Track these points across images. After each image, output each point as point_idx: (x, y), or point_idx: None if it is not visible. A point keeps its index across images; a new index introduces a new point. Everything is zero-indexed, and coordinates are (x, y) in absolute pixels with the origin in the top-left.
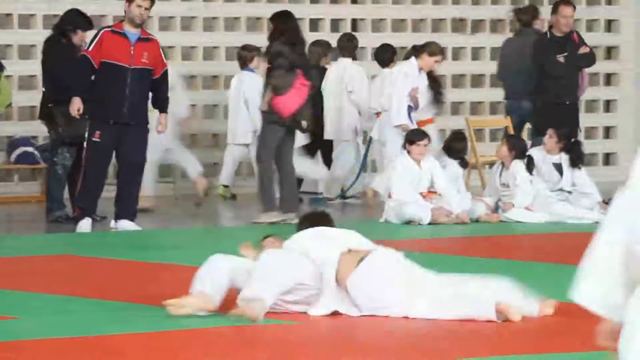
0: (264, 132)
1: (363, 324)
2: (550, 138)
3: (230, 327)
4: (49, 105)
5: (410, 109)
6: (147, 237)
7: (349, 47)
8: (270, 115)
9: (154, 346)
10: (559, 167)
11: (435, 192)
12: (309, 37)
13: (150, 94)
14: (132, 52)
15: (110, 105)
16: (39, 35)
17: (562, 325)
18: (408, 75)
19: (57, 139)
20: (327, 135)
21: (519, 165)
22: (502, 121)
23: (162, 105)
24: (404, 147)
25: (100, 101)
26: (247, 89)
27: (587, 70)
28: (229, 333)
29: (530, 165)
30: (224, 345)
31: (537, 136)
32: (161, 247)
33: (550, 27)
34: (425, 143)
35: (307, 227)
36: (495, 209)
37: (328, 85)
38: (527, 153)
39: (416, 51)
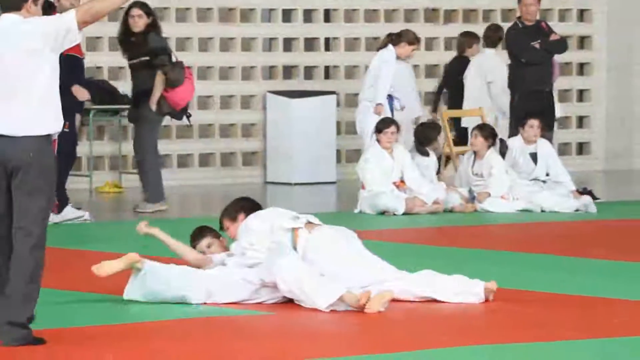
0: (151, 125)
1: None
2: (530, 128)
3: (207, 319)
4: None
5: (392, 99)
6: (115, 228)
7: (493, 37)
8: (161, 108)
9: (126, 337)
10: (534, 157)
11: None
12: (276, 28)
13: None
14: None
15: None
16: None
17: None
18: (389, 62)
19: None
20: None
21: (494, 154)
22: (476, 111)
23: None
24: (375, 136)
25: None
26: None
27: (560, 59)
28: (207, 323)
29: (503, 153)
30: (201, 336)
31: (516, 126)
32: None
33: (519, 17)
34: (392, 131)
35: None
36: (471, 199)
37: (469, 76)
38: (501, 140)
39: (393, 39)
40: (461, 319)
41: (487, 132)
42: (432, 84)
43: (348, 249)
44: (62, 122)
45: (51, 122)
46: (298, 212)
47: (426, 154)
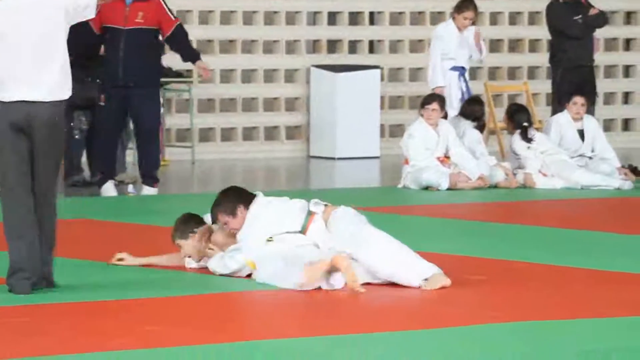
0: None
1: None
2: (574, 105)
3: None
4: None
5: (462, 70)
6: (162, 202)
7: None
8: None
9: (180, 309)
10: (581, 133)
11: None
12: (321, 1)
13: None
14: (126, 13)
15: (108, 68)
16: None
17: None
18: (439, 37)
19: (70, 102)
20: None
21: (515, 137)
22: (520, 86)
23: (190, 57)
24: (419, 111)
25: (104, 65)
26: None
27: (605, 34)
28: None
29: (525, 135)
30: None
31: (560, 102)
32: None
33: None
34: (433, 107)
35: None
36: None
37: None
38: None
39: (453, 12)
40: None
41: (511, 112)
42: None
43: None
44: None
45: (69, 88)
46: (339, 188)
47: (478, 128)
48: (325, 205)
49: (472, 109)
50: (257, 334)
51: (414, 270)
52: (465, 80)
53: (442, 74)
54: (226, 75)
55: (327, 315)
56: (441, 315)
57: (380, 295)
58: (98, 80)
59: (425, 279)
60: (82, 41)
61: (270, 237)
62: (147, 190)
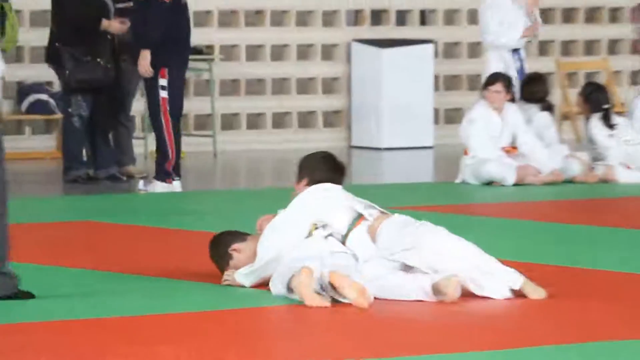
0: None
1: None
2: None
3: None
4: (56, 44)
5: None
6: (181, 200)
7: None
8: None
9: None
10: None
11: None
12: None
13: None
14: None
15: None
16: None
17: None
18: (487, 4)
19: (67, 85)
20: None
21: (592, 123)
22: (599, 63)
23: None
24: (481, 93)
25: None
26: None
27: None
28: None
29: (606, 120)
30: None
31: None
32: (196, 212)
33: None
34: (497, 89)
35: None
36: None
37: None
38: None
39: None
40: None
41: (587, 93)
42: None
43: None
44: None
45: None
46: (386, 183)
47: (547, 109)
48: (382, 212)
49: (532, 89)
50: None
51: (500, 278)
52: (520, 58)
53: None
54: (253, 52)
55: (399, 334)
56: (524, 332)
57: (422, 312)
58: (99, 60)
59: (512, 289)
60: (79, 14)
61: (316, 224)
62: (160, 187)
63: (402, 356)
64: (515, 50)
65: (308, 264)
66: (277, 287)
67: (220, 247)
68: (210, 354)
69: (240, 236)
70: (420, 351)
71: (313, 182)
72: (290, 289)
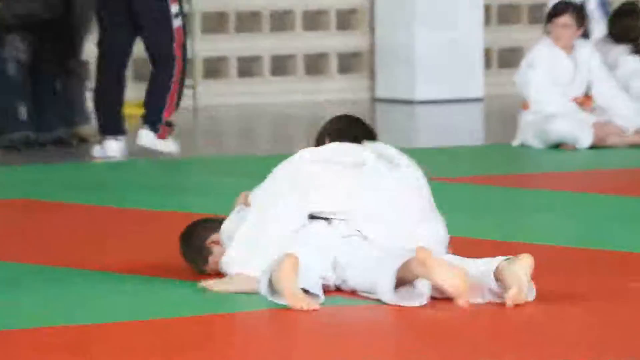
0: None
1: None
2: None
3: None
4: None
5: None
6: (150, 172)
7: None
8: None
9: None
10: None
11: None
12: None
13: None
14: None
15: None
16: None
17: None
18: None
19: (0, 21)
20: None
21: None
22: None
23: None
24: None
25: None
26: None
27: None
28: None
29: None
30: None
31: None
32: (169, 187)
33: None
34: (565, 22)
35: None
36: None
37: None
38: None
39: None
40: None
41: None
42: None
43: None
44: None
45: None
46: (422, 147)
47: (636, 52)
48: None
49: (624, 24)
50: None
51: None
52: None
53: None
54: None
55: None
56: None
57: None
58: None
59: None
60: None
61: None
62: (147, 140)
63: None
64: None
65: (295, 251)
66: (262, 286)
67: (194, 241)
68: None
69: (217, 224)
70: None
71: None
72: (273, 290)
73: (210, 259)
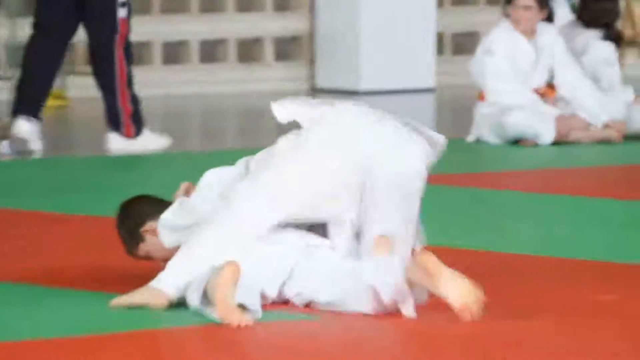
0: None
1: None
2: None
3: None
4: None
5: None
6: (66, 171)
7: None
8: None
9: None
10: None
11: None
12: None
13: None
14: None
15: None
16: None
17: None
18: None
19: None
20: None
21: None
22: None
23: None
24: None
25: None
26: None
27: None
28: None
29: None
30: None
31: None
32: (87, 188)
33: None
34: (525, 3)
35: None
36: None
37: None
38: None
39: None
40: None
41: None
42: None
43: None
44: None
45: None
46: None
47: (612, 39)
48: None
49: (599, 7)
50: None
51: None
52: None
53: None
54: None
55: None
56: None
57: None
58: None
59: None
60: None
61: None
62: (118, 144)
63: None
64: None
65: (238, 260)
66: (193, 297)
67: (129, 222)
68: None
69: (160, 208)
70: None
71: None
72: (206, 300)
73: (141, 246)
